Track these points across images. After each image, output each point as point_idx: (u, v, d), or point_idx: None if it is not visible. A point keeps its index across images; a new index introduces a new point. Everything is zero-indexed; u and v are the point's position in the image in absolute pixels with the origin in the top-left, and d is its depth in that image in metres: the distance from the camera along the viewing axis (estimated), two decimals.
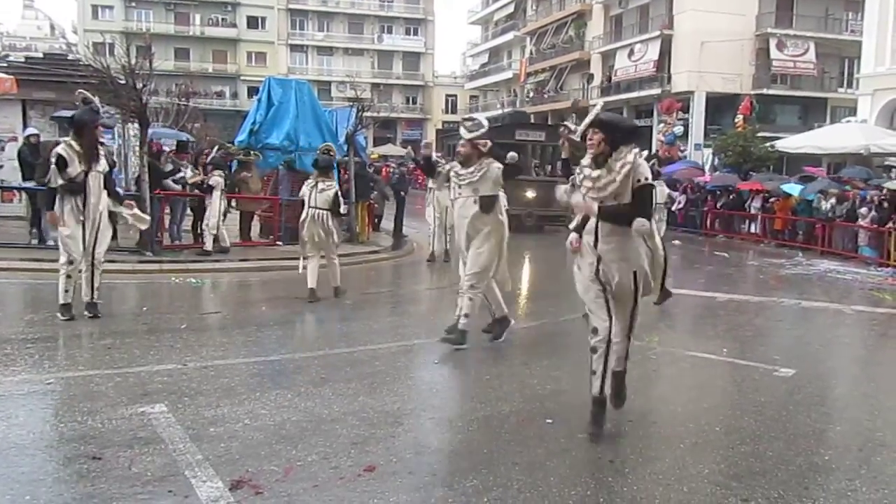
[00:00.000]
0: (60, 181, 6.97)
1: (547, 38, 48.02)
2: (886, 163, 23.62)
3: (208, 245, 11.68)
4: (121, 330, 6.86)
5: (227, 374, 5.56)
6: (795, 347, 7.77)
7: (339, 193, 9.16)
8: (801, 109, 36.57)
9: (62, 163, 6.94)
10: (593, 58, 42.95)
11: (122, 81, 11.98)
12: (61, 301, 7.09)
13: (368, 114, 16.96)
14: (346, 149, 14.72)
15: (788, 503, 3.75)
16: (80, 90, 7.63)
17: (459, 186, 6.81)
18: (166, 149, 13.84)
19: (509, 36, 54.84)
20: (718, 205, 22.16)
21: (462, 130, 6.81)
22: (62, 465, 3.82)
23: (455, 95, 64.64)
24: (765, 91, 34.55)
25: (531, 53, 50.42)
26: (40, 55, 28.03)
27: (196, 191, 12.37)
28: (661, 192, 13.31)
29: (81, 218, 7.07)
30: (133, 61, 12.10)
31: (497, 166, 6.71)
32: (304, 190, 9.07)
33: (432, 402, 5.22)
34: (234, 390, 5.17)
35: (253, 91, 41.28)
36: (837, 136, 23.54)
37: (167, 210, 12.66)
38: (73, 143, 7.06)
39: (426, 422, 4.78)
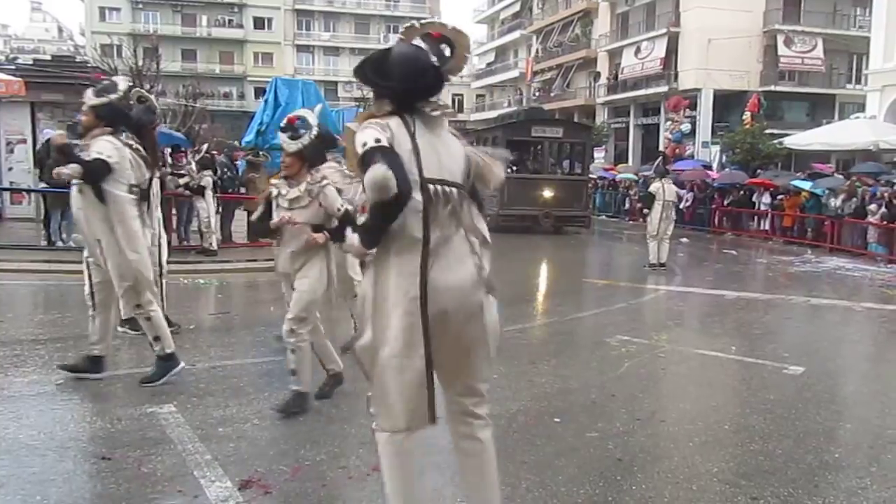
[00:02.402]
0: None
1: (553, 36, 47.96)
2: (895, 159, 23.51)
3: (213, 245, 11.74)
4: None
5: (236, 375, 5.58)
6: (804, 345, 7.73)
7: None
8: (810, 106, 36.43)
9: None
10: (600, 56, 42.89)
11: (130, 83, 12.01)
12: (126, 316, 6.40)
13: None
14: None
15: (798, 501, 3.73)
16: (136, 88, 7.33)
17: None
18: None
19: (515, 34, 54.81)
20: (726, 202, 22.10)
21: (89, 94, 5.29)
22: (72, 466, 3.83)
23: (461, 94, 64.56)
24: (772, 88, 34.44)
25: (537, 52, 50.35)
26: (48, 57, 28.17)
27: (188, 192, 12.37)
28: (670, 189, 13.31)
29: (145, 227, 6.53)
30: (140, 63, 12.17)
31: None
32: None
33: (440, 401, 5.21)
34: (242, 390, 5.18)
35: (260, 92, 41.35)
36: (846, 132, 23.43)
37: (173, 211, 12.70)
38: (139, 146, 6.33)
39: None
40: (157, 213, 6.87)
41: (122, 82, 5.36)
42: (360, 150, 2.50)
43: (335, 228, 4.67)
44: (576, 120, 40.27)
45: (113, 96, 5.19)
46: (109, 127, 5.17)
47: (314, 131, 4.67)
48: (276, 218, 4.74)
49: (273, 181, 4.95)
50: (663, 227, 12.89)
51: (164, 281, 6.87)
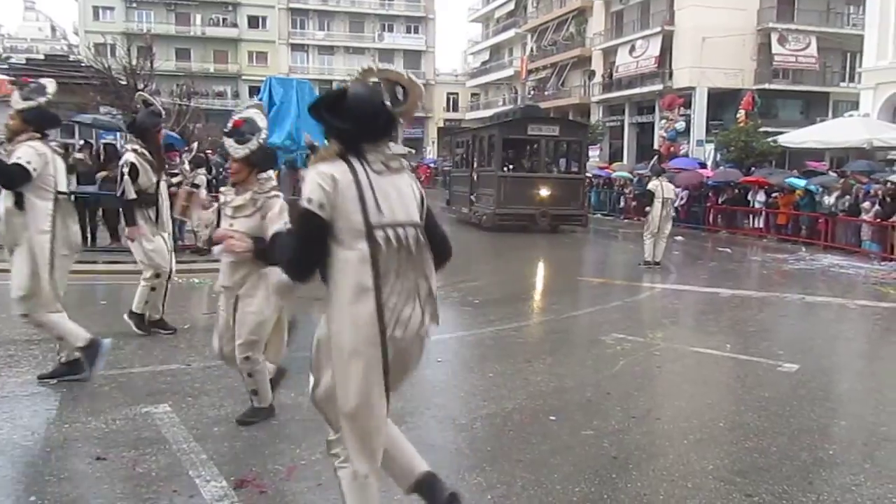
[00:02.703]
0: (133, 193, 6.36)
1: (548, 35, 47.99)
2: (889, 157, 23.56)
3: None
4: (124, 330, 6.84)
5: (231, 374, 5.53)
6: (799, 343, 7.75)
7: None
8: (804, 104, 36.51)
9: (135, 173, 6.34)
10: (594, 54, 42.92)
11: (124, 82, 12.00)
12: (137, 310, 6.58)
13: None
14: None
15: (793, 498, 3.74)
16: (139, 92, 7.20)
17: None
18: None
19: (510, 33, 54.83)
20: (721, 200, 22.13)
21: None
22: (67, 466, 3.82)
23: (456, 93, 64.63)
24: (766, 86, 34.50)
25: (532, 50, 50.39)
26: (41, 57, 28.07)
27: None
28: (668, 187, 13.33)
29: (156, 230, 6.54)
30: (134, 62, 12.14)
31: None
32: None
33: (435, 400, 5.22)
34: (237, 390, 5.15)
35: (254, 91, 41.29)
36: (840, 130, 23.50)
37: None
38: (144, 150, 6.46)
39: (430, 420, 4.78)
40: (167, 217, 6.72)
41: (51, 85, 5.09)
42: (302, 203, 2.58)
43: (264, 247, 4.14)
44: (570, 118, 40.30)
45: (41, 99, 4.96)
46: (37, 132, 4.96)
47: (263, 134, 4.35)
48: (224, 227, 4.34)
49: (222, 189, 4.63)
50: (662, 225, 12.91)
51: (168, 284, 6.79)
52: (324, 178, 2.57)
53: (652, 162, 15.29)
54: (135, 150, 6.49)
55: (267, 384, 4.53)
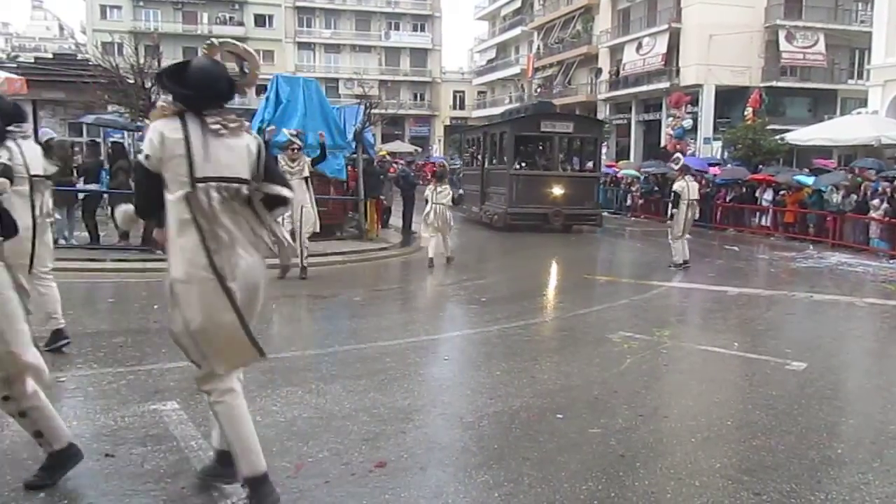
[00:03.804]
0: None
1: (554, 32, 47.90)
2: None
3: None
4: (132, 328, 6.89)
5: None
6: (807, 341, 7.73)
7: (453, 194, 12.53)
8: (811, 101, 36.32)
9: None
10: (601, 52, 42.81)
11: (131, 81, 12.01)
12: None
13: (376, 111, 16.99)
14: (354, 146, 14.75)
15: (801, 497, 3.73)
16: None
17: None
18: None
19: (517, 31, 54.75)
20: (728, 198, 22.06)
21: None
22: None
23: (463, 91, 64.61)
24: (774, 83, 34.33)
25: (539, 48, 50.29)
26: (50, 55, 28.17)
27: None
28: (693, 188, 13.09)
29: None
30: (141, 61, 12.16)
31: None
32: (428, 193, 12.22)
33: (442, 398, 5.23)
34: (244, 387, 5.17)
35: (261, 89, 41.27)
36: (848, 127, 23.36)
37: None
38: None
39: (437, 418, 4.79)
40: None
41: None
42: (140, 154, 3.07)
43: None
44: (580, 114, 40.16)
45: None
46: None
47: None
48: None
49: None
50: (686, 227, 12.66)
51: None
52: (155, 134, 3.01)
53: (681, 162, 14.69)
54: None
55: (51, 419, 3.49)
